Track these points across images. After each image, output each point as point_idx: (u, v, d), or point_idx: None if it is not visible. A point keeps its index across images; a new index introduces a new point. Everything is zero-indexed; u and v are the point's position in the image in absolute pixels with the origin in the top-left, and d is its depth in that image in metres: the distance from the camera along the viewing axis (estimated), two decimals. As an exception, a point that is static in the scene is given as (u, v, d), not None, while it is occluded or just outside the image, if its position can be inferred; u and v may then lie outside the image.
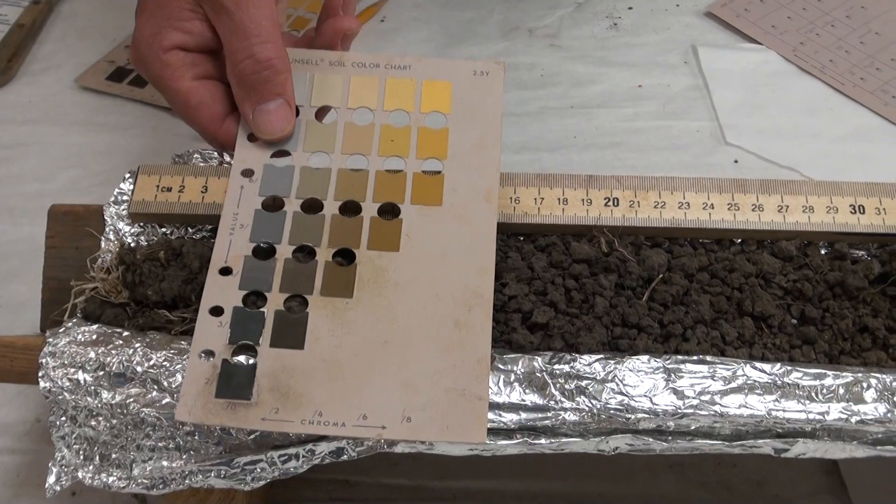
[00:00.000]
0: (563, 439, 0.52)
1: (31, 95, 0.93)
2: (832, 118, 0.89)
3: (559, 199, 0.59)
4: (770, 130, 0.88)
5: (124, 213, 0.60)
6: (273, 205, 0.56)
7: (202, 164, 0.63)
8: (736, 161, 0.85)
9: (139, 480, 0.52)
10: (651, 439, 0.52)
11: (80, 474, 0.53)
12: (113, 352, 0.53)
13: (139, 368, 0.52)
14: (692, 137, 0.88)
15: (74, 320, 0.55)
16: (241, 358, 0.51)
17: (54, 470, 0.53)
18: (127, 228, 0.59)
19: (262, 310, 0.52)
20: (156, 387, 0.52)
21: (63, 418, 0.53)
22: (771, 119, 0.89)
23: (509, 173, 0.59)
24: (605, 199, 0.59)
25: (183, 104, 0.59)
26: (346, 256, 0.55)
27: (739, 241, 0.59)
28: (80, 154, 0.87)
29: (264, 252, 0.54)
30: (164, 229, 0.60)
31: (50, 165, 0.86)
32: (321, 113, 0.60)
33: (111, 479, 0.53)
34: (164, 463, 0.52)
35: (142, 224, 0.60)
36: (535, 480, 0.64)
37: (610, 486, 0.63)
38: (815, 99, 0.91)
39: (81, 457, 0.53)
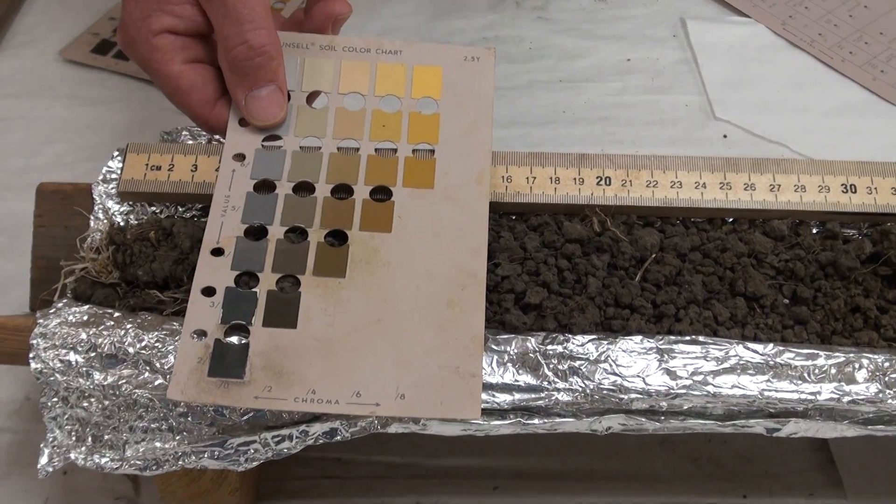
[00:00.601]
0: (556, 419, 0.52)
1: (13, 69, 0.92)
2: (821, 92, 0.89)
3: (551, 178, 0.58)
4: (758, 105, 0.88)
5: (113, 191, 0.59)
6: (265, 187, 0.56)
7: (191, 142, 0.63)
8: (725, 136, 0.85)
9: (132, 461, 0.52)
10: (644, 419, 0.53)
11: (72, 455, 0.53)
12: (104, 333, 0.52)
13: (131, 350, 0.52)
14: (681, 112, 0.88)
15: (65, 300, 0.55)
16: (234, 338, 0.51)
17: (46, 451, 0.53)
18: (116, 207, 0.59)
19: (254, 290, 0.52)
20: (148, 368, 0.52)
21: (55, 399, 0.53)
22: (759, 93, 0.89)
23: (501, 152, 0.59)
24: (597, 178, 0.59)
25: (173, 88, 0.58)
26: (338, 237, 0.54)
27: (731, 220, 0.59)
28: (65, 129, 0.86)
29: (256, 233, 0.54)
30: (153, 208, 0.59)
31: (35, 140, 0.85)
32: (311, 97, 0.59)
33: (104, 460, 0.53)
34: (157, 444, 0.52)
35: (131, 203, 0.59)
36: (527, 458, 0.64)
37: (601, 462, 0.64)
38: (803, 73, 0.91)
39: (73, 438, 0.53)
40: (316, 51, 0.60)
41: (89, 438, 0.53)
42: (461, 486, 0.63)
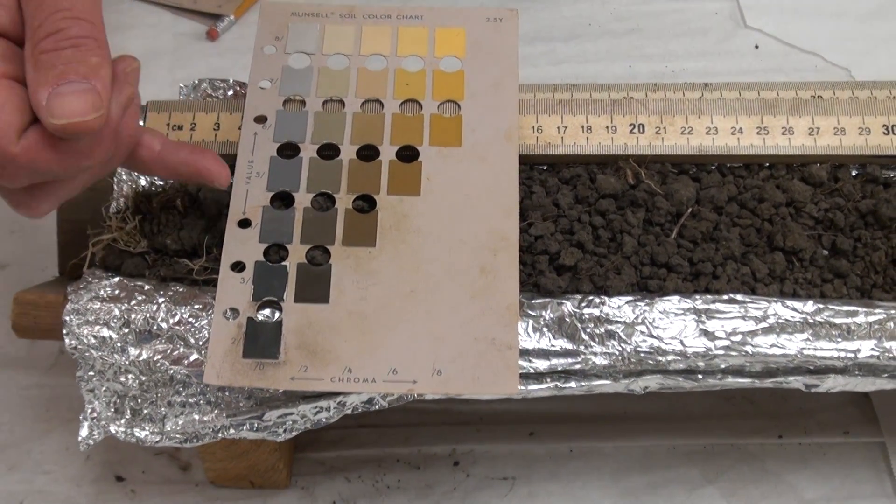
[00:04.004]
0: (594, 381, 0.52)
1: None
2: (856, -7, 0.86)
3: (583, 126, 0.57)
4: (790, 10, 0.85)
5: (135, 152, 0.58)
6: (288, 150, 0.55)
7: (212, 98, 0.61)
8: (756, 46, 0.83)
9: (172, 435, 0.53)
10: (681, 378, 0.52)
11: (112, 428, 0.53)
12: (136, 308, 0.52)
13: (164, 325, 0.52)
14: (710, 20, 0.85)
15: (95, 272, 0.54)
16: (267, 311, 0.51)
17: (86, 423, 0.53)
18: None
19: (284, 263, 0.52)
20: (182, 343, 0.52)
21: (91, 373, 0.53)
22: (791, -4, 0.86)
23: (530, 100, 0.57)
24: (630, 125, 0.57)
25: None
26: (366, 202, 0.53)
27: (768, 165, 0.57)
28: (78, 58, 0.84)
29: (283, 201, 0.53)
30: (177, 168, 0.58)
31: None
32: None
33: (144, 433, 0.53)
34: (196, 417, 0.52)
35: (154, 164, 0.58)
36: (561, 402, 0.64)
37: (635, 404, 0.64)
38: (837, -28, 0.88)
39: (112, 410, 0.53)
40: (336, 19, 0.58)
41: (128, 411, 0.53)
42: (496, 432, 0.64)
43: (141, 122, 0.57)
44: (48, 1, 0.44)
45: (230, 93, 0.62)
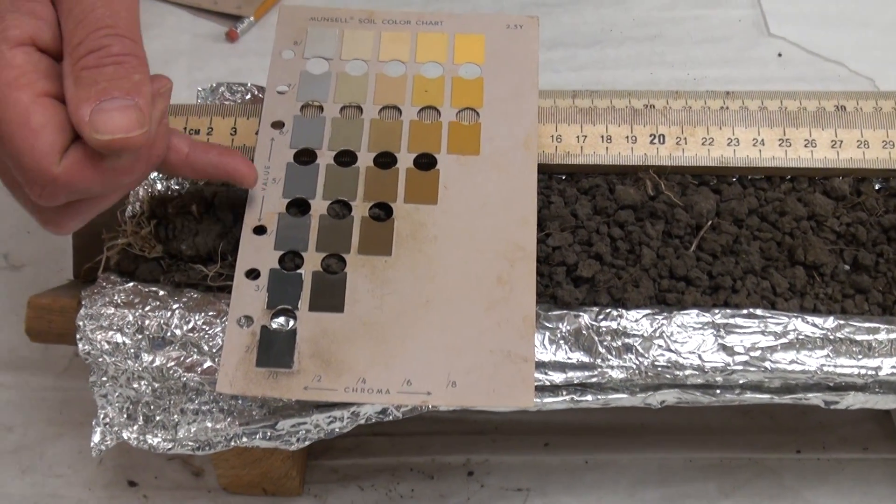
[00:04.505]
0: (610, 395, 0.52)
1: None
2: (880, 3, 0.85)
3: (602, 136, 0.56)
4: (815, 18, 0.84)
5: (151, 156, 0.58)
6: (305, 156, 0.54)
7: (229, 102, 0.60)
8: (780, 55, 0.82)
9: (184, 442, 0.52)
10: (699, 393, 0.52)
11: (125, 435, 0.53)
12: (150, 314, 0.52)
13: (178, 332, 0.51)
14: (733, 28, 0.84)
15: (109, 276, 0.54)
16: (281, 320, 0.50)
17: (98, 429, 0.53)
18: (155, 173, 0.58)
19: (299, 271, 0.51)
20: (196, 350, 0.51)
21: (104, 378, 0.53)
22: (816, 5, 0.85)
23: (550, 108, 0.57)
24: (650, 136, 0.56)
25: (19, 123, 0.42)
26: (382, 210, 0.53)
27: (790, 177, 0.56)
28: (97, 59, 0.84)
29: (299, 207, 0.53)
30: (193, 172, 0.58)
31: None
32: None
33: (156, 440, 0.53)
34: (209, 424, 0.52)
35: (170, 168, 0.58)
36: (577, 413, 0.63)
37: (651, 415, 0.63)
38: (862, -19, 0.87)
39: (125, 416, 0.53)
40: (355, 24, 0.58)
41: (140, 418, 0.53)
42: (511, 443, 0.63)
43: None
44: (90, 18, 0.44)
45: (248, 97, 0.61)
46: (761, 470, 0.62)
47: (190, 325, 0.52)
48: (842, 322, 0.51)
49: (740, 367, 0.50)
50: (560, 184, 0.56)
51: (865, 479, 0.62)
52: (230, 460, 0.58)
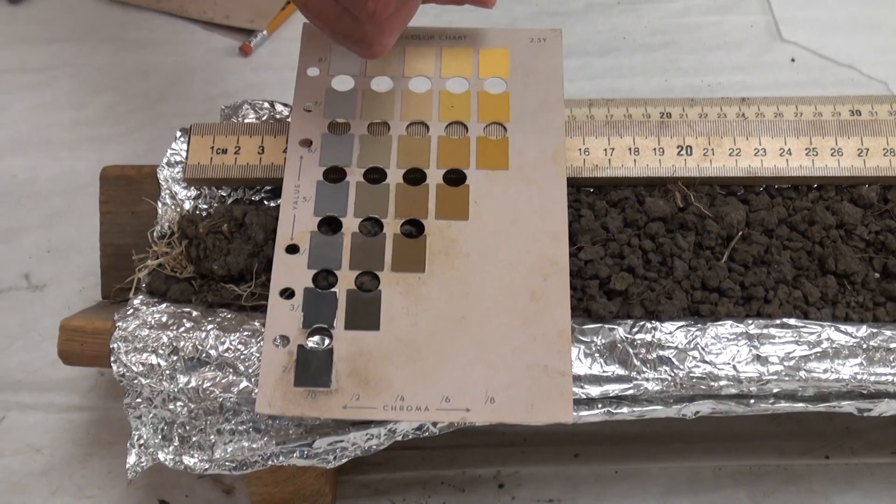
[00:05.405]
0: (645, 407, 0.52)
1: (53, 11, 0.89)
2: (892, 7, 0.85)
3: (630, 149, 0.56)
4: (826, 23, 0.84)
5: (179, 175, 0.58)
6: (335, 174, 0.54)
7: (254, 120, 0.60)
8: (793, 60, 0.82)
9: (221, 463, 0.52)
10: (734, 403, 0.52)
11: (160, 456, 0.53)
12: (185, 335, 0.52)
13: (213, 353, 0.51)
14: (746, 34, 0.84)
15: (141, 297, 0.54)
16: (317, 339, 0.50)
17: (133, 451, 0.53)
18: (183, 192, 0.58)
19: (333, 290, 0.51)
20: (232, 370, 0.51)
21: (138, 400, 0.53)
22: (828, 10, 0.85)
23: (577, 122, 0.57)
24: (677, 147, 0.56)
25: None
26: (414, 226, 0.53)
27: (817, 186, 0.57)
28: (112, 76, 0.84)
29: (330, 226, 0.53)
30: (221, 191, 0.58)
31: (82, 90, 0.84)
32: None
33: (192, 461, 0.53)
34: (245, 444, 0.52)
35: (198, 187, 0.58)
36: (606, 423, 0.63)
37: (680, 424, 0.63)
38: (873, -15, 0.87)
39: (160, 437, 0.53)
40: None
41: (176, 439, 0.53)
42: (541, 454, 0.63)
43: (187, 144, 0.58)
44: None
45: (272, 114, 0.61)
46: (790, 476, 0.62)
47: (225, 346, 0.52)
48: (874, 330, 0.51)
49: (775, 377, 0.51)
50: (589, 197, 0.56)
51: (895, 484, 0.62)
52: (263, 478, 0.58)
